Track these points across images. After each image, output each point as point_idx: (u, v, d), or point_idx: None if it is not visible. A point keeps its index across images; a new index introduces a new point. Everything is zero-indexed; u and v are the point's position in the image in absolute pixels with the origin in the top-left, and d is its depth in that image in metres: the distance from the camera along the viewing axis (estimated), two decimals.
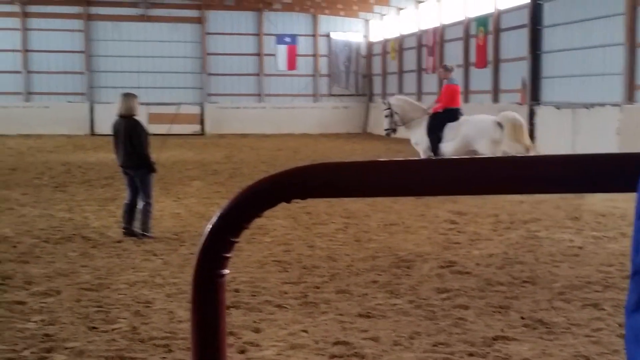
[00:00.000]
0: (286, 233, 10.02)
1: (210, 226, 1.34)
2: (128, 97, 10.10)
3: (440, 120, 14.69)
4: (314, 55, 38.46)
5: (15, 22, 35.75)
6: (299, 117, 37.33)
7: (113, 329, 5.80)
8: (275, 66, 37.87)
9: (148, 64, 36.28)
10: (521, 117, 15.06)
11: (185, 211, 12.21)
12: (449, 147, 14.40)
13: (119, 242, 9.50)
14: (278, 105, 37.82)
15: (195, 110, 36.73)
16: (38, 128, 33.96)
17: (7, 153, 24.12)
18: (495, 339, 5.62)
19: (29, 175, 17.39)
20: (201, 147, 27.80)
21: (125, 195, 10.16)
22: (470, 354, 5.30)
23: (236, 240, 1.35)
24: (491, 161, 1.26)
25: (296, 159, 22.11)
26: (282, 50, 37.82)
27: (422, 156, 14.89)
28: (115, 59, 36.03)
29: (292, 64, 37.94)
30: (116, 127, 9.99)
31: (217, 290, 1.36)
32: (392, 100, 15.96)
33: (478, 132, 14.27)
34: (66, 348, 5.29)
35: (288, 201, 1.30)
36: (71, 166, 19.62)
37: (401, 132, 16.19)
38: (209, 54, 37.44)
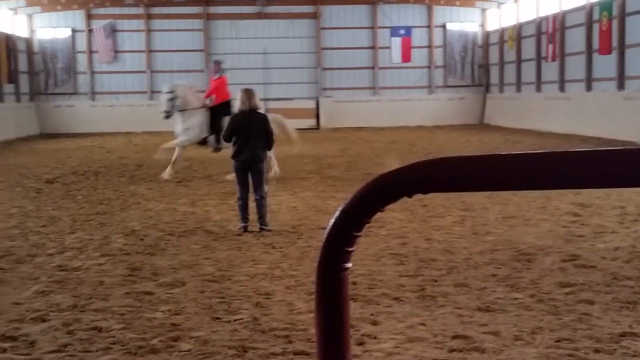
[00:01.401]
0: (402, 226, 9.99)
1: (333, 221, 1.36)
2: (249, 92, 10.25)
3: (222, 113, 15.69)
4: (429, 47, 38.06)
5: (140, 24, 37.27)
6: (414, 110, 37.08)
7: (235, 320, 5.96)
8: (390, 59, 37.74)
9: (264, 61, 36.96)
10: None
11: (302, 205, 12.38)
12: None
13: (239, 235, 9.74)
14: (392, 98, 37.70)
15: (311, 104, 37.17)
16: (161, 125, 35.21)
17: (133, 150, 25.21)
18: (623, 335, 5.41)
19: (154, 170, 18.10)
20: (316, 141, 28.07)
21: (237, 192, 10.14)
22: (596, 351, 5.12)
23: (359, 234, 1.37)
24: (616, 153, 1.21)
25: (411, 152, 21.98)
26: (396, 42, 37.65)
27: (183, 142, 16.03)
28: (233, 56, 36.93)
29: (406, 56, 37.71)
30: (240, 122, 10.02)
31: (341, 284, 1.38)
32: (178, 85, 16.36)
33: None
34: (192, 337, 5.49)
35: (410, 196, 1.31)
36: (193, 161, 20.27)
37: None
38: (323, 48, 37.75)
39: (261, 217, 10.02)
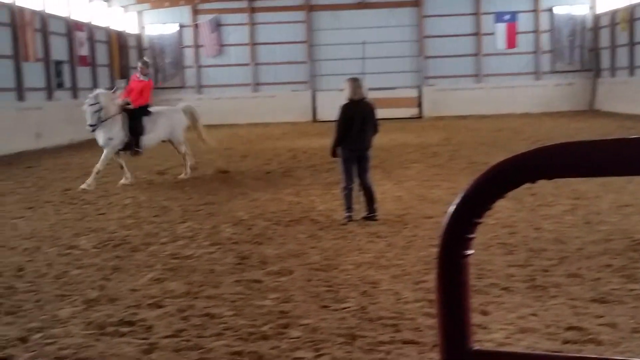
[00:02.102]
0: (510, 215, 9.78)
1: (454, 207, 1.35)
2: (358, 81, 10.22)
3: (141, 115, 15.10)
4: (535, 32, 37.01)
5: (244, 17, 37.92)
6: (519, 97, 36.19)
7: (343, 308, 6.01)
8: (494, 45, 36.94)
9: (366, 50, 36.88)
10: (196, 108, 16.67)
11: (407, 194, 12.31)
12: (151, 139, 15.39)
13: (344, 224, 9.78)
14: (497, 85, 36.90)
15: (413, 93, 36.89)
16: (265, 116, 35.90)
17: (238, 141, 25.72)
18: None
19: (259, 161, 18.43)
20: (420, 130, 27.86)
21: (343, 181, 10.09)
22: None
23: (479, 221, 1.35)
24: None
25: (518, 140, 21.48)
26: (501, 28, 36.80)
27: (110, 153, 14.81)
28: (335, 47, 37.04)
29: (511, 42, 36.80)
30: (353, 111, 9.89)
31: (462, 271, 1.37)
32: (100, 95, 14.80)
33: (175, 122, 15.93)
34: (301, 325, 5.57)
35: (533, 181, 1.29)
36: (297, 152, 20.52)
37: None
38: (425, 36, 37.34)
39: (369, 206, 10.04)
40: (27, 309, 6.27)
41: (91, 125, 14.54)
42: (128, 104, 15.07)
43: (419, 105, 36.93)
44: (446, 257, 1.36)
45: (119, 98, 15.29)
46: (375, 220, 9.90)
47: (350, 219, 9.96)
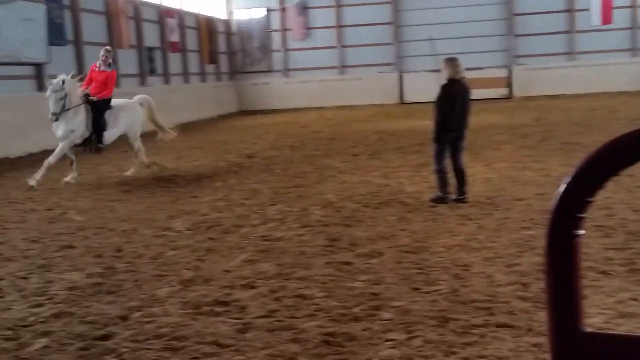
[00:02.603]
0: (607, 197, 9.46)
1: (565, 186, 1.31)
2: (456, 60, 10.02)
3: (102, 109, 13.84)
4: (632, 7, 35.54)
5: (330, 0, 37.88)
6: (615, 74, 34.89)
7: (434, 290, 5.96)
8: (588, 21, 35.68)
9: (453, 30, 36.28)
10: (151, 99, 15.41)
11: (497, 176, 12.09)
12: (113, 135, 14.17)
13: (433, 206, 9.69)
14: (591, 63, 35.68)
15: (502, 73, 36.13)
16: (352, 99, 35.89)
17: (326, 124, 25.81)
18: None
19: (347, 144, 18.45)
20: (509, 110, 27.27)
21: (435, 163, 9.93)
22: None
23: (592, 200, 1.31)
24: None
25: (614, 119, 20.76)
26: (595, 3, 35.48)
27: (67, 146, 13.42)
28: (422, 28, 36.59)
29: (607, 18, 35.46)
30: (455, 90, 9.70)
31: (572, 251, 1.33)
32: (67, 80, 13.24)
33: (135, 116, 14.72)
34: (392, 307, 5.56)
35: None
36: (384, 134, 20.43)
37: None
38: (515, 14, 36.43)
39: (460, 188, 9.91)
40: (127, 289, 6.49)
41: (54, 114, 13.07)
42: (88, 95, 13.70)
43: (509, 85, 36.15)
44: (556, 236, 1.32)
45: (81, 87, 13.86)
46: (466, 202, 9.77)
47: (445, 201, 9.80)
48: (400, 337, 4.91)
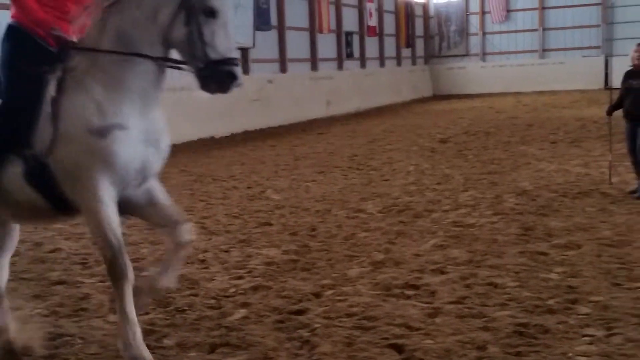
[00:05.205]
0: None
1: None
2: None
3: None
4: None
5: None
6: None
7: (637, 287, 5.62)
8: None
9: None
10: None
11: None
12: None
13: (638, 199, 9.12)
14: None
15: None
16: (553, 84, 34.46)
17: (523, 110, 25.02)
18: None
19: (545, 131, 17.77)
20: None
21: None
22: None
23: None
24: None
25: None
26: None
27: None
28: (634, 9, 34.28)
29: None
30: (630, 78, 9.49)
31: None
32: None
33: None
34: (590, 301, 5.31)
35: None
36: (586, 121, 19.46)
37: None
38: None
39: None
40: (320, 267, 6.69)
41: None
42: None
43: None
44: None
45: None
46: None
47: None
48: (598, 333, 4.69)
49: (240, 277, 6.45)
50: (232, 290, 6.06)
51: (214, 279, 6.43)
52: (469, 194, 10.13)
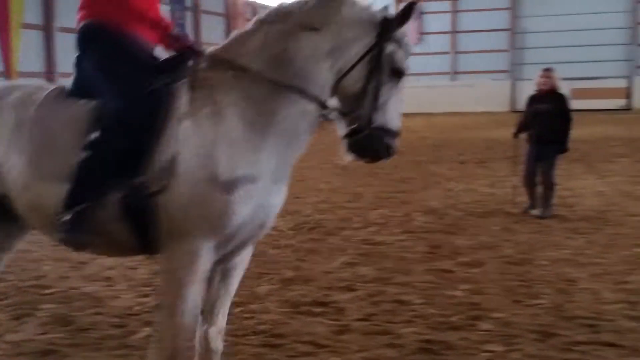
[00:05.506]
0: None
1: None
2: (547, 71, 10.08)
3: None
4: None
5: (447, 5, 37.51)
6: None
7: (537, 304, 5.80)
8: None
9: (572, 38, 35.19)
10: None
11: (610, 189, 11.67)
12: None
13: (540, 218, 9.45)
14: None
15: (622, 83, 34.75)
16: (462, 106, 35.41)
17: (433, 130, 25.61)
18: None
19: (454, 151, 18.22)
20: (628, 122, 26.22)
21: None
22: None
23: None
24: None
25: None
26: None
27: None
28: (540, 35, 35.70)
29: None
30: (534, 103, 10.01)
31: None
32: None
33: None
34: (492, 317, 5.45)
35: None
36: (493, 142, 20.05)
37: None
38: (639, 23, 35.01)
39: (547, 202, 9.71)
40: None
41: None
42: None
43: (628, 96, 34.74)
44: None
45: None
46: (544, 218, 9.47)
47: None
48: (498, 349, 4.82)
49: (146, 295, 6.32)
50: (137, 308, 5.93)
51: (119, 297, 6.29)
52: (379, 212, 10.26)
